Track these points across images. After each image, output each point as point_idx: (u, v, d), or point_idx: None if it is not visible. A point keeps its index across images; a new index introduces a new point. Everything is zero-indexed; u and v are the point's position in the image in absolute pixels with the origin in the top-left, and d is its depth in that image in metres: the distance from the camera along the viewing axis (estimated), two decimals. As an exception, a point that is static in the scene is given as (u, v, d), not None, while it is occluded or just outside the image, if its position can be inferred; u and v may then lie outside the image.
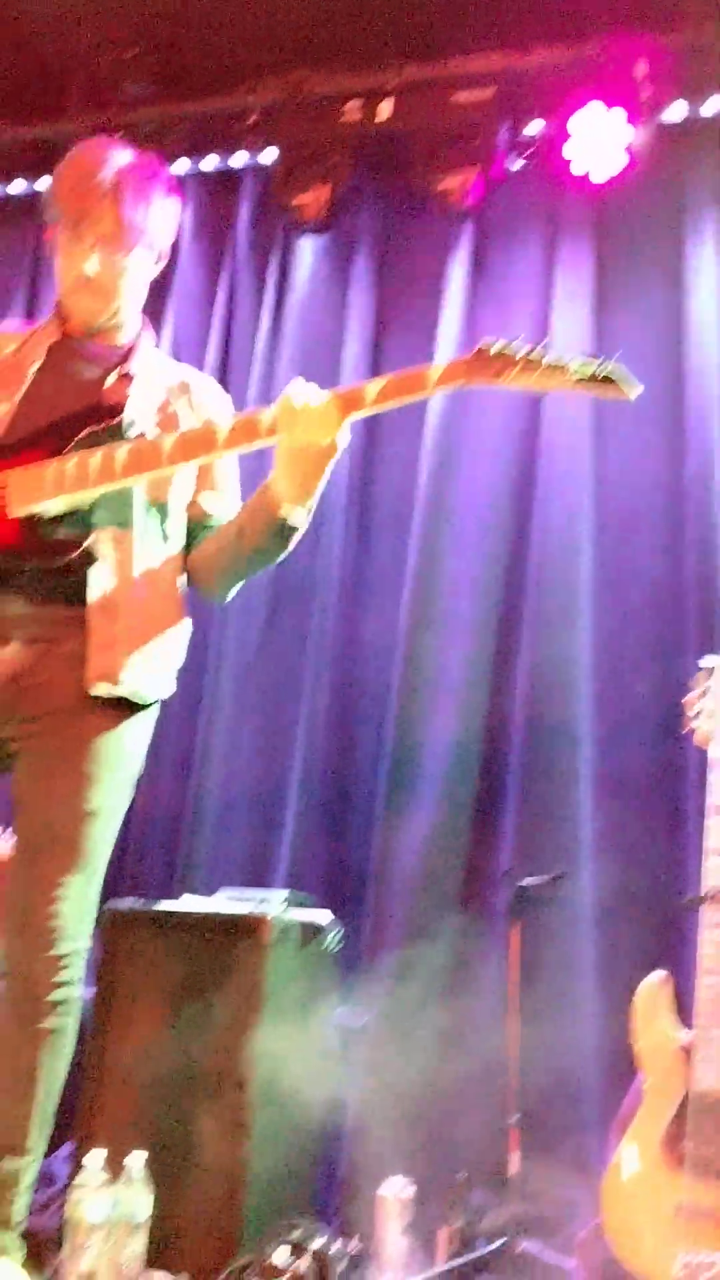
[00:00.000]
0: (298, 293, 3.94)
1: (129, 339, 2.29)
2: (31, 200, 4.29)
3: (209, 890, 2.98)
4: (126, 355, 2.27)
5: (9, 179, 4.37)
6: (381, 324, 3.83)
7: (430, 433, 3.58)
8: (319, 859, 3.43)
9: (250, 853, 3.52)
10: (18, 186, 4.37)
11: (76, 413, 2.13)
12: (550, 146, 3.66)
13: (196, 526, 2.27)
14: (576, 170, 3.61)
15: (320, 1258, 2.34)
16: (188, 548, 2.27)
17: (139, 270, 2.23)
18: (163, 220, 2.24)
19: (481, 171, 3.67)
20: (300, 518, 2.09)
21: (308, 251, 3.98)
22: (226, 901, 2.80)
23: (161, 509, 2.21)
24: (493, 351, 1.96)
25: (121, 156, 2.20)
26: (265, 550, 2.16)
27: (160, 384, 2.28)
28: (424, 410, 3.56)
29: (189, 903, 2.82)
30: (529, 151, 3.75)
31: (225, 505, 2.28)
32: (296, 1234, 2.36)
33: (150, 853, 3.57)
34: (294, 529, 2.11)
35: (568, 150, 3.61)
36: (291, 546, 2.15)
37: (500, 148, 3.69)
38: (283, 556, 2.19)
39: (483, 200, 3.71)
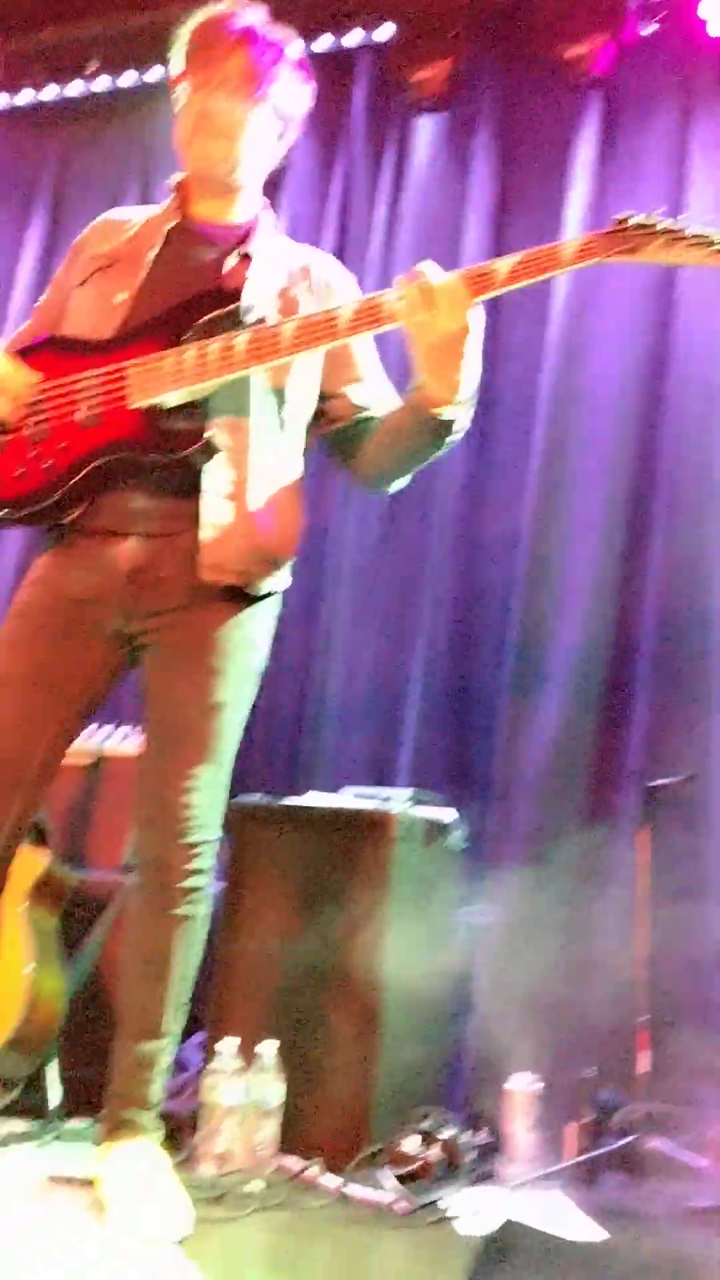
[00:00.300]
0: (416, 175, 3.81)
1: (248, 217, 2.23)
2: (142, 92, 4.22)
3: (332, 789, 2.98)
4: (245, 236, 2.20)
5: (119, 71, 4.30)
6: (504, 205, 3.67)
7: (556, 317, 3.44)
8: (442, 759, 3.41)
9: (373, 752, 3.51)
10: (128, 79, 4.31)
11: (194, 297, 2.07)
12: (685, 6, 3.47)
13: (353, 423, 2.21)
14: (713, 31, 3.41)
15: (450, 1147, 2.36)
16: (346, 444, 2.22)
17: (262, 127, 2.16)
18: (290, 85, 2.18)
19: (611, 37, 3.49)
20: (456, 413, 2.02)
21: (426, 131, 3.84)
22: (352, 799, 2.80)
23: (279, 396, 2.15)
24: (632, 223, 1.86)
25: (254, 14, 2.17)
26: (428, 449, 2.11)
27: (280, 266, 2.21)
28: (549, 293, 3.41)
29: (315, 799, 2.82)
30: (662, 14, 3.54)
31: (375, 394, 2.22)
32: (427, 1123, 2.39)
33: (274, 751, 3.59)
34: (452, 423, 2.04)
35: (704, 9, 3.40)
36: (458, 438, 2.09)
37: (631, 10, 3.49)
38: (449, 448, 2.12)
39: (612, 69, 3.52)
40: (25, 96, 4.50)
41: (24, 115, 4.53)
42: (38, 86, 4.45)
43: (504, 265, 1.91)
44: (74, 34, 4.29)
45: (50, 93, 4.46)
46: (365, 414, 2.21)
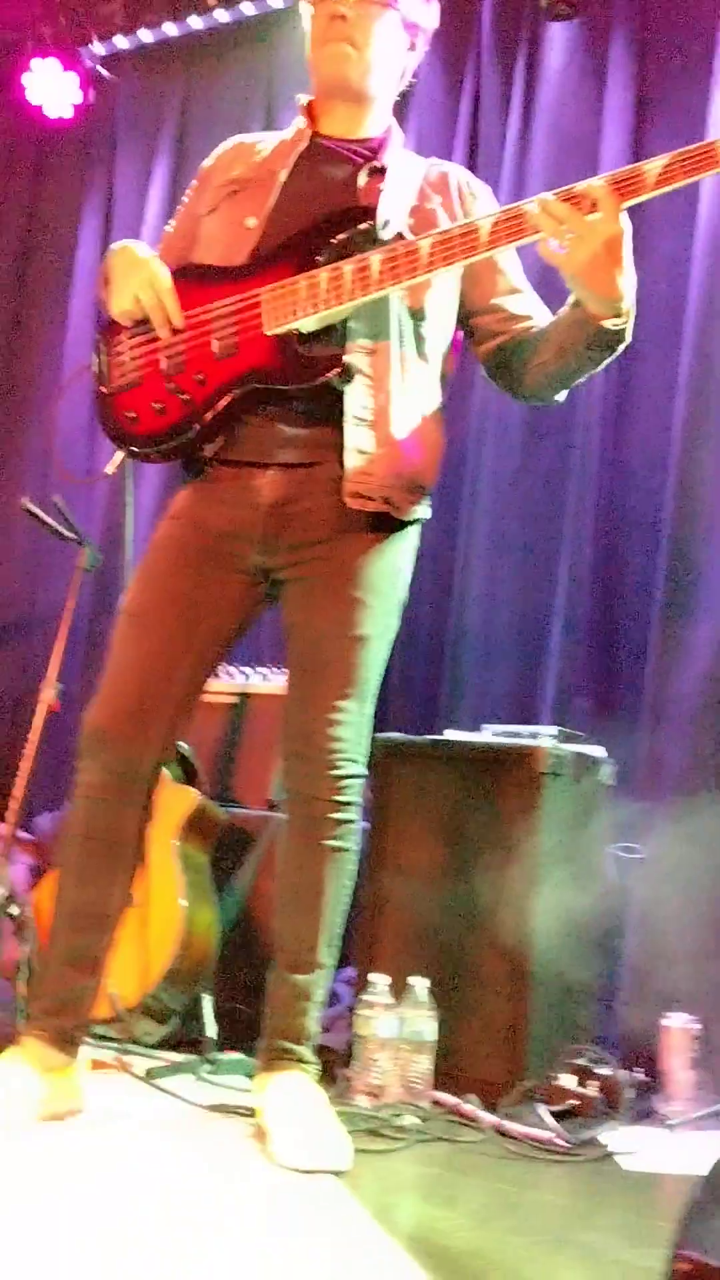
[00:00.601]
0: (548, 87, 3.64)
1: (378, 132, 2.16)
2: (260, 21, 4.15)
3: (472, 727, 2.93)
4: (376, 150, 2.14)
5: (236, 1, 4.23)
6: (643, 114, 3.47)
7: (704, 224, 3.24)
8: (587, 694, 3.31)
9: (513, 689, 3.43)
10: (250, 8, 4.24)
11: (327, 217, 2.02)
12: None
13: (514, 335, 2.14)
14: None
15: (609, 1084, 2.32)
16: (508, 359, 2.15)
17: (391, 34, 2.11)
18: None
19: None
20: (620, 324, 1.94)
21: (558, 42, 3.66)
22: (496, 736, 2.74)
23: (417, 317, 2.09)
24: None
25: None
26: (595, 360, 2.04)
27: (413, 179, 2.14)
28: (695, 199, 3.23)
29: (456, 737, 2.77)
30: None
31: (532, 304, 2.16)
32: (583, 1060, 2.35)
33: (410, 689, 3.54)
34: (620, 333, 1.96)
35: None
36: (622, 349, 2.01)
37: None
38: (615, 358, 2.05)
39: (759, -42, 3.29)
40: (146, 36, 4.48)
41: (146, 55, 4.52)
42: (157, 24, 4.43)
43: (653, 167, 1.80)
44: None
45: (170, 30, 4.42)
46: (527, 323, 2.13)
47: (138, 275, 2.06)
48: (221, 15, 4.30)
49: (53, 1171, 1.74)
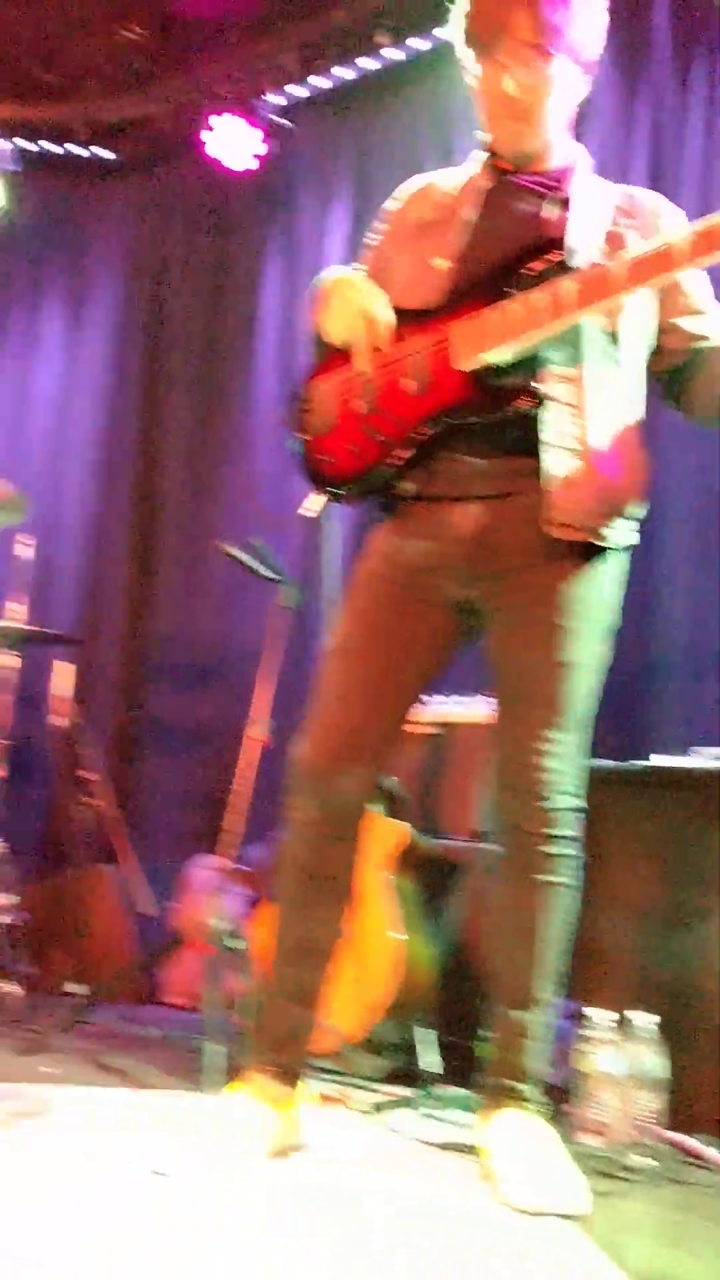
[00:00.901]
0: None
1: (562, 163, 2.14)
2: (434, 54, 4.17)
3: (678, 751, 2.83)
4: (561, 180, 2.12)
5: (403, 39, 4.28)
6: None
7: None
8: None
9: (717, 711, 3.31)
10: (419, 43, 4.28)
11: (516, 251, 2.00)
12: None
13: (688, 354, 2.10)
14: None
15: None
16: (680, 378, 2.12)
17: (564, 82, 2.07)
18: (585, 24, 2.05)
19: None
20: None
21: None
22: (708, 760, 2.65)
23: (613, 339, 2.05)
24: None
25: None
26: None
27: (601, 206, 2.11)
28: None
29: (664, 761, 2.69)
30: None
31: (713, 325, 2.11)
32: None
33: (609, 713, 3.45)
34: None
35: None
36: None
37: None
38: None
39: None
40: (320, 82, 4.58)
41: (319, 100, 4.61)
42: (329, 70, 4.52)
43: None
44: (360, 11, 4.31)
45: (342, 73, 4.51)
46: (703, 344, 2.08)
47: (353, 303, 2.07)
48: (392, 53, 4.36)
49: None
